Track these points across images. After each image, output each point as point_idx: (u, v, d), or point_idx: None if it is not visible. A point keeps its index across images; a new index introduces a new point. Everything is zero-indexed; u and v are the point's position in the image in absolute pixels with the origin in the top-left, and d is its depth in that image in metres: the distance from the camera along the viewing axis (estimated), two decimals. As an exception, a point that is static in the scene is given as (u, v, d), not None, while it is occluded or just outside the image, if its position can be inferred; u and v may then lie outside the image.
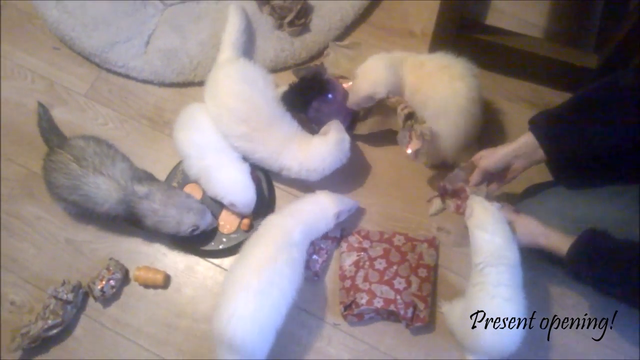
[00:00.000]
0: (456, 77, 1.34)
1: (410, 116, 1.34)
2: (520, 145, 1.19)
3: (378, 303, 1.36)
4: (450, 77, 1.34)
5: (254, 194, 1.46)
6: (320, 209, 1.39)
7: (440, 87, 1.35)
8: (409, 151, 1.35)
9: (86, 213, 1.46)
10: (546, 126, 1.16)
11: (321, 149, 1.43)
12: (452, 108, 1.35)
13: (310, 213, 1.39)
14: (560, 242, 1.15)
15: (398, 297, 1.37)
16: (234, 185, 1.45)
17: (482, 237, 1.19)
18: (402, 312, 1.35)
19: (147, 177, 1.46)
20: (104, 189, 1.36)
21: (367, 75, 1.40)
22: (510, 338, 1.17)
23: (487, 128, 1.56)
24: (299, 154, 1.44)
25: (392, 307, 1.36)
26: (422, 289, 1.39)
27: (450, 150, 1.42)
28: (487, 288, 1.17)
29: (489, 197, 1.26)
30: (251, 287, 1.22)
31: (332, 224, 1.41)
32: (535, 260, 1.32)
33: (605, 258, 1.09)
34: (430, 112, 1.36)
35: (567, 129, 1.13)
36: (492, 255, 1.17)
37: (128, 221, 1.43)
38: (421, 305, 1.37)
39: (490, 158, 1.23)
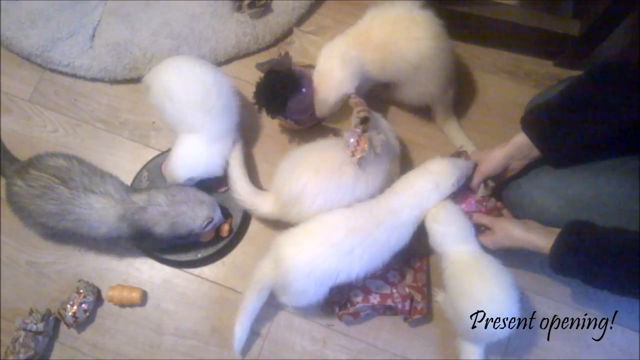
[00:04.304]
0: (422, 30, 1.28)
1: (366, 120, 1.25)
2: (515, 148, 1.19)
3: (374, 299, 1.30)
4: (416, 30, 1.28)
5: None
6: (433, 184, 1.24)
7: (408, 43, 1.28)
8: (354, 158, 1.20)
9: (80, 239, 1.35)
10: (539, 125, 1.15)
11: None
12: (425, 61, 1.29)
13: (421, 189, 1.24)
14: (544, 242, 1.11)
15: (394, 290, 1.31)
16: None
17: (437, 230, 1.21)
18: (399, 306, 1.30)
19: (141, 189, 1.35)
20: (98, 208, 1.23)
21: (328, 79, 1.29)
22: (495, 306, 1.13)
23: (468, 102, 1.51)
24: None
25: (389, 302, 1.30)
26: (417, 280, 1.33)
27: (430, 96, 1.39)
28: (453, 267, 1.19)
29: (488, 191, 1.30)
30: (331, 243, 1.16)
31: (449, 192, 1.25)
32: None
33: (590, 252, 1.04)
34: (402, 72, 1.32)
35: (562, 126, 1.11)
36: (454, 241, 1.21)
37: (133, 239, 1.33)
38: (418, 297, 1.31)
39: (488, 163, 1.24)
